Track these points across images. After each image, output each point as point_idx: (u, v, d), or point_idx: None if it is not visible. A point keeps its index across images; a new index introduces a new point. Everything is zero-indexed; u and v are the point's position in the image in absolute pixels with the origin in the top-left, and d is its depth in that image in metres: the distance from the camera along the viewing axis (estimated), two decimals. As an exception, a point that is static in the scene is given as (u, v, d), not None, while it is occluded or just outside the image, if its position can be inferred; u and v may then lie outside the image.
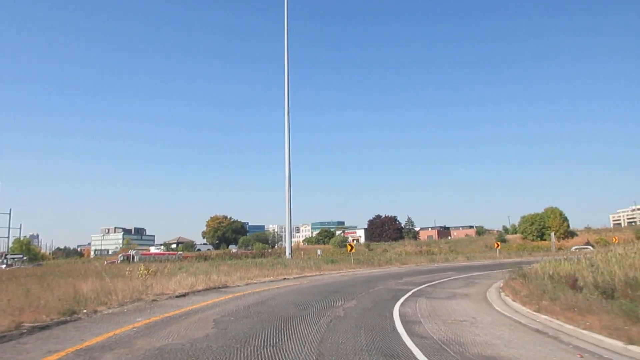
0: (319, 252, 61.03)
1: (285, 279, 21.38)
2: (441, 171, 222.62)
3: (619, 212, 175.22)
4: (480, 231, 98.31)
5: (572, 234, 75.33)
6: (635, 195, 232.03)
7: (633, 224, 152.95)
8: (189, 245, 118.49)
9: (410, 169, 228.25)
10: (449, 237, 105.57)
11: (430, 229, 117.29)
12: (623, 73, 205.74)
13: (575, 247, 56.60)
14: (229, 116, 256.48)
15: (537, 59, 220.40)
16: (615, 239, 51.32)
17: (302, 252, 70.72)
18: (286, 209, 41.74)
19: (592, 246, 67.30)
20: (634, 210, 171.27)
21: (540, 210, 78.02)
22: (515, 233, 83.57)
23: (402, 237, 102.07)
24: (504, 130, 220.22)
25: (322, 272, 26.25)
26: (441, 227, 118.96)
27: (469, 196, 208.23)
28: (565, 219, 75.24)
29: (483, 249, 76.10)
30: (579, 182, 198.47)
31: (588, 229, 77.47)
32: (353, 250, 35.60)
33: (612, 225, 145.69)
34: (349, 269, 29.54)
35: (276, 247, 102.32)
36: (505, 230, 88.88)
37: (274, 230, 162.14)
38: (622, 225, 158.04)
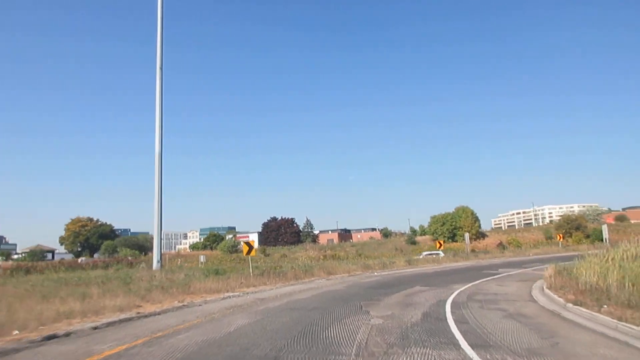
0: (202, 258, 46.52)
1: (52, 337, 7.41)
2: (335, 174, 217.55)
3: (499, 217, 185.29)
4: (387, 233, 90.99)
5: (482, 235, 70.58)
6: (516, 200, 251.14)
7: (513, 227, 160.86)
8: (36, 253, 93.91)
9: (307, 171, 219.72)
10: (351, 240, 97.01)
11: (330, 232, 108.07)
12: (533, 70, 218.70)
13: (426, 252, 48.76)
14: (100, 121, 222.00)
15: (417, 63, 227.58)
16: (560, 237, 45.48)
17: (180, 260, 55.84)
18: (155, 196, 27.16)
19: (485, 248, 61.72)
20: (513, 214, 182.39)
21: (451, 209, 72.49)
22: (425, 234, 77.26)
23: (300, 241, 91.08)
24: (396, 132, 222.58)
25: (186, 300, 12.63)
26: (342, 230, 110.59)
27: (370, 198, 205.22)
28: (477, 219, 70.21)
29: (393, 251, 68.46)
30: (458, 187, 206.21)
31: (497, 230, 74.26)
32: (253, 254, 22.34)
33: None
34: (245, 288, 16.23)
35: (150, 253, 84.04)
36: (413, 231, 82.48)
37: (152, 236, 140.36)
38: (503, 228, 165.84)
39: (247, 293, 15.12)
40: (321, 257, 64.96)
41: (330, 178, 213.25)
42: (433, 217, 73.31)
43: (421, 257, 43.02)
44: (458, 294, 14.23)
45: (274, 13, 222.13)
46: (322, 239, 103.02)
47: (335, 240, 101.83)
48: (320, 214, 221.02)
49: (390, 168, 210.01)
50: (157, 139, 28.20)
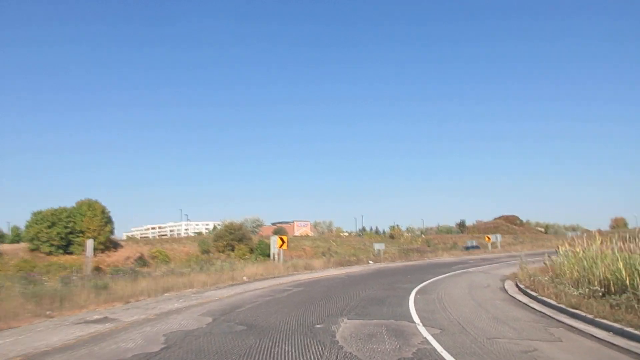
0: None
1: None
2: None
3: (133, 231, 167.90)
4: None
5: (115, 245, 49.74)
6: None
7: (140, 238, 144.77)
8: None
9: None
10: None
11: None
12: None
13: None
14: None
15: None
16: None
17: None
18: None
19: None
20: (147, 229, 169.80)
21: (71, 204, 48.74)
22: (20, 241, 49.37)
23: None
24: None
25: None
26: None
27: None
28: (109, 221, 48.82)
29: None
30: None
31: (134, 238, 54.86)
32: None
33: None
34: None
35: None
36: (1, 237, 52.54)
37: None
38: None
39: None
40: None
41: None
42: (36, 214, 46.97)
43: None
44: None
45: None
46: None
47: None
48: None
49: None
50: None
